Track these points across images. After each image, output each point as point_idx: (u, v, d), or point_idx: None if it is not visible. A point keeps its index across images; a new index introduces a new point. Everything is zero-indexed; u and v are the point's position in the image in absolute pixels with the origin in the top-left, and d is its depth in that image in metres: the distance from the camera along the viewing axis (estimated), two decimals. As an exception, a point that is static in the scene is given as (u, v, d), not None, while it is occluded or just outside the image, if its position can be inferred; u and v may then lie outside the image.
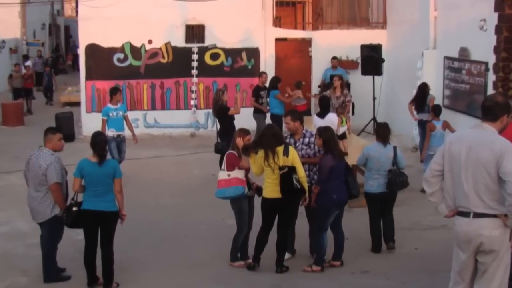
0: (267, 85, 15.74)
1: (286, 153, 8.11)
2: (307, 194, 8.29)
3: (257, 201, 8.60)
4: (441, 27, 15.21)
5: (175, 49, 18.07)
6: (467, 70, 13.74)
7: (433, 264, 8.54)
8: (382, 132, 9.40)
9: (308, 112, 17.08)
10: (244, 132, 8.63)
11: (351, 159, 10.12)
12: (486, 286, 5.54)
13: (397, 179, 9.10)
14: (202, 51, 18.11)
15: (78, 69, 21.91)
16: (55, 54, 37.63)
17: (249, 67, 18.40)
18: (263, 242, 8.44)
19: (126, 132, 13.42)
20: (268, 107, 15.50)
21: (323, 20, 20.10)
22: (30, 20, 33.57)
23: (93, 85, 17.89)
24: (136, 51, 17.94)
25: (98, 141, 7.84)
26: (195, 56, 18.07)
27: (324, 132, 8.45)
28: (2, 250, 9.43)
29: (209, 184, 11.29)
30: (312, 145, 8.72)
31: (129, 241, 9.40)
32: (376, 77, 17.03)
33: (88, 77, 17.92)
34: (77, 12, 19.35)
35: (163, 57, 18.10)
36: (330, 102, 13.15)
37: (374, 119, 16.85)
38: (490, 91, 12.38)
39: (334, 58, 18.01)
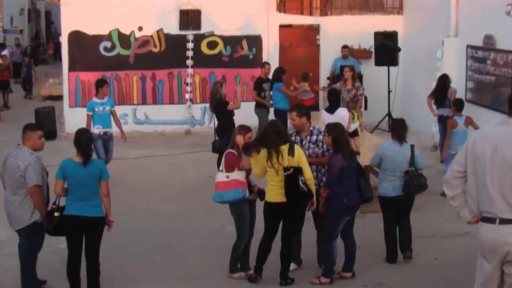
0: (270, 76, 15.74)
1: (291, 152, 8.11)
2: (314, 198, 8.29)
3: (259, 205, 8.60)
4: (464, 12, 15.19)
5: (168, 37, 18.07)
6: (493, 60, 13.73)
7: (454, 275, 8.54)
8: (398, 129, 9.39)
9: (315, 107, 17.09)
10: (245, 129, 8.63)
11: (364, 159, 10.11)
12: (513, 300, 5.55)
13: (414, 181, 9.10)
14: (198, 39, 18.10)
15: (60, 59, 21.86)
16: (35, 43, 37.62)
17: (250, 56, 18.40)
18: (266, 251, 8.44)
19: (114, 129, 13.42)
20: (271, 101, 15.49)
21: (333, 5, 20.05)
22: (7, 5, 33.57)
23: (77, 77, 17.89)
24: (124, 39, 17.94)
25: (83, 139, 7.84)
26: (190, 45, 18.06)
27: (334, 129, 8.44)
28: (-24, 260, 9.44)
29: (205, 187, 11.31)
30: (320, 144, 8.72)
31: (117, 250, 9.39)
32: (391, 68, 17.02)
33: (72, 68, 17.92)
34: (59, -5, 19.36)
35: (155, 46, 18.10)
36: (340, 95, 13.14)
37: (389, 114, 16.85)
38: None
39: (344, 47, 17.99)
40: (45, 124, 16.38)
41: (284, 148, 8.12)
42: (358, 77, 16.09)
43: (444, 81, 14.03)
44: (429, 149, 15.34)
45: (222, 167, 8.57)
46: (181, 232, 10.64)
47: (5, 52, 26.10)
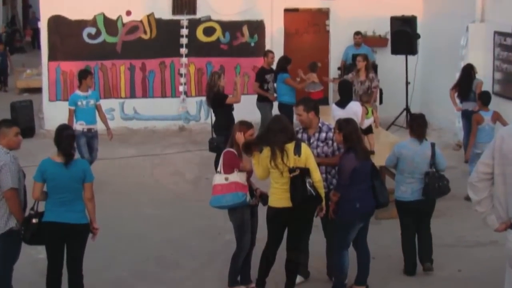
0: (274, 67, 15.74)
1: (297, 151, 8.11)
2: (323, 203, 8.29)
3: (262, 211, 8.61)
4: (491, -6, 15.23)
5: (160, 22, 18.08)
6: (523, 48, 13.76)
7: (480, 289, 8.57)
8: (417, 125, 9.39)
9: (325, 101, 17.09)
10: (246, 125, 8.64)
11: (379, 159, 10.12)
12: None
13: (435, 184, 9.10)
14: (193, 24, 18.11)
15: (39, 47, 21.91)
16: (11, 29, 37.61)
17: (252, 44, 18.41)
18: (269, 262, 8.44)
19: (99, 126, 13.44)
20: (275, 94, 15.50)
21: (344, -14, 20.08)
22: (-21, -13, 33.57)
23: (58, 67, 17.90)
24: (111, 25, 17.95)
25: (64, 137, 7.84)
26: (184, 31, 18.07)
27: (345, 125, 8.44)
28: None
29: (202, 190, 11.34)
30: (330, 142, 8.72)
31: (102, 261, 9.41)
32: (410, 57, 17.03)
33: (52, 57, 17.93)
34: (37, -24, 19.38)
35: (145, 32, 18.11)
36: (352, 88, 13.14)
37: (407, 109, 16.86)
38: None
39: (357, 33, 17.99)
40: (22, 120, 16.41)
41: (290, 146, 8.11)
42: (372, 67, 16.10)
43: (468, 71, 14.03)
44: (452, 148, 15.35)
45: (220, 168, 8.58)
46: (175, 241, 10.64)
47: (-24, 40, 26.14)
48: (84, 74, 13.42)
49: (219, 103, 12.90)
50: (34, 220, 7.81)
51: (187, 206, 12.03)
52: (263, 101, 15.46)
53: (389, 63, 17.67)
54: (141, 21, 18.02)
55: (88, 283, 7.99)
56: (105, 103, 15.07)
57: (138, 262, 9.80)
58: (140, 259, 9.88)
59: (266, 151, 8.19)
